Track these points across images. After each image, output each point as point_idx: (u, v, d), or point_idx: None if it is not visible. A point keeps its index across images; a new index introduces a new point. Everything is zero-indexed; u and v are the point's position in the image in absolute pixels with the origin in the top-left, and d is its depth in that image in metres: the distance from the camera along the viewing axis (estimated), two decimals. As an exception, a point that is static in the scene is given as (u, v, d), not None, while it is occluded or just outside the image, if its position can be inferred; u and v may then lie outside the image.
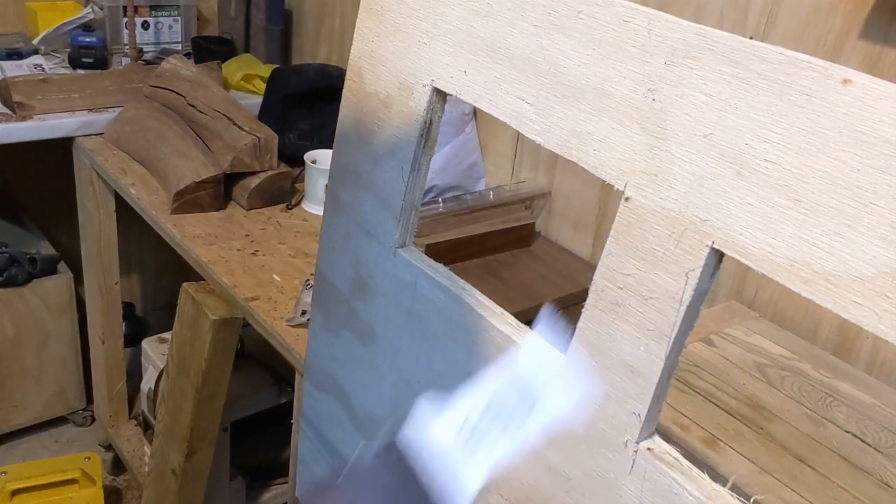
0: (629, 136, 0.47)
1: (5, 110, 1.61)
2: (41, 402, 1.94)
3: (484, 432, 0.35)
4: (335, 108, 0.75)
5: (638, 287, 0.47)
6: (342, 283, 0.76)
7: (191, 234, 1.33)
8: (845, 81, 0.38)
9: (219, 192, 1.42)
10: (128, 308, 2.07)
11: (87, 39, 1.89)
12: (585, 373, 0.38)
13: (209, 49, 2.02)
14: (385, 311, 0.71)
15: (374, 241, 0.71)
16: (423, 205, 0.77)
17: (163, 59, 1.74)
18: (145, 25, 2.03)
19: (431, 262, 0.66)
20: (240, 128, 1.44)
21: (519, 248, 1.49)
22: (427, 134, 0.65)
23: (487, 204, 1.48)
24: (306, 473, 0.94)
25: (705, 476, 0.47)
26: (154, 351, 1.62)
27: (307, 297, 1.09)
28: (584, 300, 0.51)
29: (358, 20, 0.68)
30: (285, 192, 1.50)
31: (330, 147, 0.83)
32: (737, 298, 1.23)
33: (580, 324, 0.51)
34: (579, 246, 1.51)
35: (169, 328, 1.41)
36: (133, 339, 1.94)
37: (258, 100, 1.72)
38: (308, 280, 1.15)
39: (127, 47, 1.91)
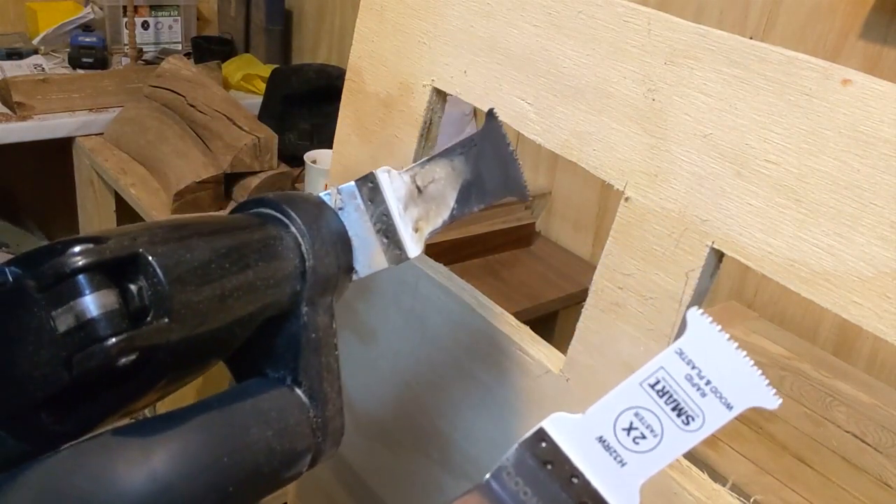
0: (629, 136, 0.47)
1: (5, 110, 1.61)
2: (41, 402, 1.94)
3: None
4: (335, 108, 0.75)
5: (638, 287, 0.47)
6: (342, 283, 0.76)
7: (191, 234, 1.33)
8: (845, 81, 0.38)
9: (219, 192, 1.42)
10: (128, 308, 2.06)
11: (87, 39, 1.89)
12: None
13: (209, 49, 2.02)
14: (385, 311, 0.71)
15: (374, 241, 0.70)
16: (423, 205, 0.77)
17: (163, 59, 1.74)
18: (145, 25, 2.03)
19: (431, 262, 0.66)
20: (240, 128, 1.44)
21: (519, 248, 1.49)
22: (427, 134, 0.65)
23: (487, 204, 1.47)
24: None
25: (705, 476, 0.47)
26: (154, 351, 1.61)
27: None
28: (584, 300, 0.51)
29: (358, 20, 0.68)
30: (285, 192, 1.50)
31: (330, 147, 0.83)
32: (737, 298, 1.23)
33: (580, 324, 0.51)
34: (579, 246, 1.51)
35: (169, 328, 1.41)
36: (133, 339, 1.94)
37: (258, 100, 1.72)
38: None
39: (127, 47, 1.91)
